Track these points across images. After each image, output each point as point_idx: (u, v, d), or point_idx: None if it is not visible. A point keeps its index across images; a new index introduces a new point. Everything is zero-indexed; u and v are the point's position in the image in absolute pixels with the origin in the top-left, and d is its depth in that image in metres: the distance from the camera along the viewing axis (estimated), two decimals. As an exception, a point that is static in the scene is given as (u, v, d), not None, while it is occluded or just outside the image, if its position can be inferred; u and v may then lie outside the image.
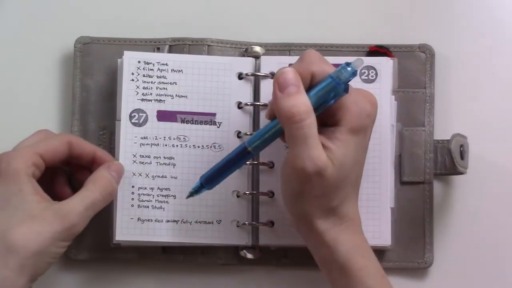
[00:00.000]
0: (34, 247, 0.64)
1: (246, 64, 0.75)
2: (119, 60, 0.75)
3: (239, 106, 0.75)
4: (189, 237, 0.74)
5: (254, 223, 0.74)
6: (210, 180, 0.69)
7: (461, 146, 0.74)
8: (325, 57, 0.74)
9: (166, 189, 0.74)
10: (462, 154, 0.74)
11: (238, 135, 0.75)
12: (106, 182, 0.70)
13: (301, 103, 0.63)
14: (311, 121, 0.63)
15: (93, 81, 0.77)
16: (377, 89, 0.74)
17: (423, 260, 0.76)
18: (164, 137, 0.74)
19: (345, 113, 0.65)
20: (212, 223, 0.74)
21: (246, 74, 0.75)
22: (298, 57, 0.75)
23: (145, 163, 0.74)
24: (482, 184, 0.77)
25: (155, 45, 0.77)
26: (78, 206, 0.67)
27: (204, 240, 0.74)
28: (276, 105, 0.64)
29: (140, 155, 0.74)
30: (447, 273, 0.77)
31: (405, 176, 0.75)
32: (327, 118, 0.66)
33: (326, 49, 0.77)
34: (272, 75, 0.75)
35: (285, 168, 0.66)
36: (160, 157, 0.74)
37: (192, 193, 0.70)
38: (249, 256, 0.76)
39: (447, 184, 0.77)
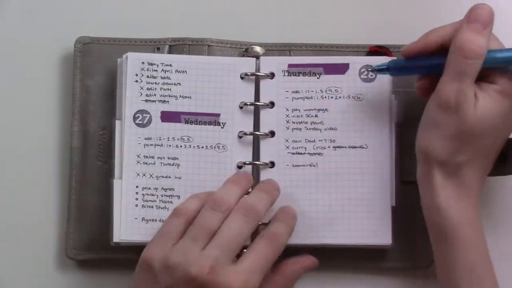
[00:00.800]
0: None
1: (248, 65, 0.75)
2: (118, 59, 0.75)
3: (241, 106, 0.75)
4: None
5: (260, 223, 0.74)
6: (397, 67, 0.71)
7: None
8: (325, 57, 0.75)
9: (170, 189, 0.74)
10: None
11: (239, 135, 0.75)
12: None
13: (478, 43, 0.65)
14: (476, 64, 0.65)
15: (93, 81, 0.77)
16: (376, 88, 0.74)
17: (423, 260, 0.76)
18: (168, 138, 0.74)
19: (503, 74, 0.66)
20: None
21: (246, 74, 0.75)
22: (297, 57, 0.76)
23: (149, 163, 0.74)
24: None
25: (155, 45, 0.77)
26: None
27: None
28: (456, 32, 0.66)
29: (144, 156, 0.74)
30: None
31: (405, 176, 0.75)
32: (488, 72, 0.67)
33: (326, 49, 0.77)
34: (272, 75, 0.75)
35: (433, 95, 0.67)
36: (164, 158, 0.74)
37: (375, 70, 0.72)
38: None
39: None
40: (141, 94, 0.74)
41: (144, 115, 0.74)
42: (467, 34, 0.65)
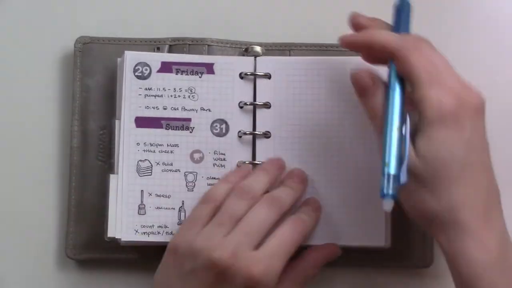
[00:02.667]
0: None
1: (247, 64, 0.75)
2: (118, 59, 0.75)
3: (240, 105, 0.75)
4: None
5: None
6: None
7: None
8: (325, 57, 0.75)
9: (168, 187, 0.74)
10: None
11: (238, 134, 0.75)
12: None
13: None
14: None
15: (93, 81, 0.77)
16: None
17: (422, 260, 0.76)
18: (168, 137, 0.74)
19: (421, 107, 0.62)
20: None
21: (246, 74, 0.75)
22: (297, 57, 0.76)
23: (148, 162, 0.74)
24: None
25: (155, 45, 0.77)
26: None
27: None
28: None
29: (143, 155, 0.74)
30: (447, 273, 0.76)
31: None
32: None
33: (326, 49, 0.77)
34: (269, 75, 0.75)
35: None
36: (163, 157, 0.74)
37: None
38: None
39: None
40: (140, 94, 0.74)
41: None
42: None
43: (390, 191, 0.60)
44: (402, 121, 0.62)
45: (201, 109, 0.74)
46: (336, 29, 0.79)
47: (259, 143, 0.75)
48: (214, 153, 0.74)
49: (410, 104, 0.63)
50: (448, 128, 0.60)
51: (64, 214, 0.76)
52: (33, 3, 0.80)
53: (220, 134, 0.75)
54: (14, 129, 0.78)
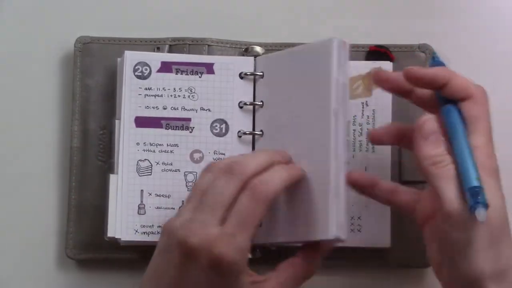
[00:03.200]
0: None
1: (247, 64, 0.75)
2: (118, 59, 0.75)
3: (240, 105, 0.75)
4: None
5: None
6: None
7: None
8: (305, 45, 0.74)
9: (171, 191, 0.74)
10: None
11: (238, 134, 0.75)
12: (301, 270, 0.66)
13: (442, 151, 0.62)
14: (449, 168, 0.61)
15: (93, 80, 0.77)
16: (379, 92, 0.74)
17: (423, 260, 0.75)
18: (168, 136, 0.74)
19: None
20: None
21: (246, 74, 0.75)
22: (280, 51, 0.75)
23: (147, 162, 0.74)
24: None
25: (155, 45, 0.77)
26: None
27: None
28: (419, 151, 0.62)
29: (142, 155, 0.74)
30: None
31: (405, 176, 0.75)
32: None
33: (326, 49, 0.77)
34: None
35: (437, 221, 0.62)
36: (162, 157, 0.74)
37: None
38: (249, 256, 0.75)
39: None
40: (140, 94, 0.74)
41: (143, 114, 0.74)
42: (430, 148, 0.62)
43: (484, 200, 0.58)
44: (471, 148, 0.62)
45: (201, 109, 0.74)
46: (336, 29, 0.79)
47: (259, 143, 0.75)
48: (214, 153, 0.74)
49: None
50: (493, 180, 0.61)
51: (64, 214, 0.76)
52: (33, 3, 0.80)
53: (220, 134, 0.75)
54: (14, 129, 0.78)
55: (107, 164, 0.76)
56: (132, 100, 0.74)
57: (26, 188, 0.78)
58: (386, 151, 0.74)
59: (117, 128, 0.74)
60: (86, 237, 0.76)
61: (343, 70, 0.66)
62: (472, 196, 0.58)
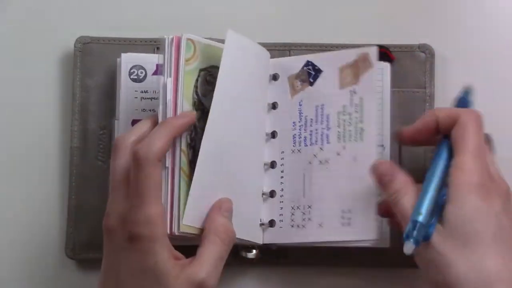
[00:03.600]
0: None
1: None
2: (118, 59, 0.75)
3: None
4: None
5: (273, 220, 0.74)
6: None
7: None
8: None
9: None
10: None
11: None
12: (226, 229, 0.66)
13: (393, 188, 0.65)
14: (404, 200, 0.64)
15: (93, 80, 0.77)
16: (379, 92, 0.74)
17: (423, 260, 0.76)
18: None
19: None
20: None
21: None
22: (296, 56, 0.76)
23: None
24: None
25: (155, 45, 0.77)
26: (210, 266, 0.63)
27: None
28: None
29: None
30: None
31: (405, 176, 0.75)
32: None
33: (326, 49, 0.77)
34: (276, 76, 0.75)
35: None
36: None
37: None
38: (249, 256, 0.75)
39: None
40: (136, 97, 0.74)
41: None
42: (386, 192, 0.67)
43: (415, 235, 0.61)
44: (442, 184, 0.64)
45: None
46: (336, 29, 0.79)
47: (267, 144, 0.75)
48: None
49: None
50: (482, 199, 0.61)
51: (64, 214, 0.76)
52: (33, 3, 0.80)
53: None
54: (14, 129, 0.78)
55: (107, 164, 0.75)
56: (128, 103, 0.74)
57: (26, 188, 0.78)
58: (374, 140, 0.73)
59: (117, 128, 0.74)
60: (86, 237, 0.76)
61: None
62: (411, 229, 0.62)
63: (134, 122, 0.74)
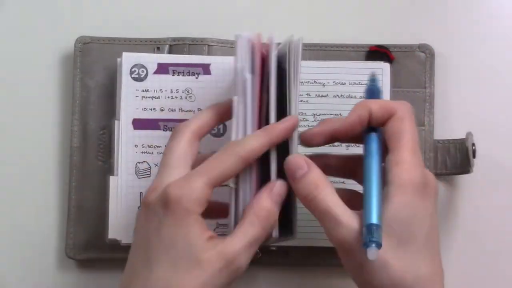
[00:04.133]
0: None
1: None
2: (118, 59, 0.75)
3: None
4: None
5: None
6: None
7: (473, 144, 0.74)
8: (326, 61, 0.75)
9: None
10: (474, 153, 0.74)
11: None
12: (269, 215, 0.62)
13: (309, 183, 0.61)
14: (324, 195, 0.60)
15: (93, 80, 0.77)
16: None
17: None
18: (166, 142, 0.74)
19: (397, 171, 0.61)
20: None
21: None
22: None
23: (147, 168, 0.74)
24: (482, 184, 0.77)
25: (155, 45, 0.77)
26: (242, 246, 0.60)
27: None
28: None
29: (143, 161, 0.74)
30: (447, 273, 0.76)
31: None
32: None
33: (326, 49, 0.77)
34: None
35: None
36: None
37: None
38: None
39: (447, 184, 0.77)
40: (137, 96, 0.74)
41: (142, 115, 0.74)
42: (297, 186, 0.61)
43: (375, 239, 0.57)
44: (381, 182, 0.60)
45: (198, 110, 0.74)
46: (336, 29, 0.79)
47: None
48: (212, 153, 0.74)
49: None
50: (420, 198, 0.59)
51: (64, 214, 0.76)
52: (33, 3, 0.80)
53: (217, 135, 0.75)
54: (14, 129, 0.78)
55: (107, 164, 0.76)
56: (129, 103, 0.74)
57: (26, 188, 0.78)
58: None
59: (117, 128, 0.74)
60: (86, 237, 0.76)
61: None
62: (368, 233, 0.57)
63: (134, 121, 0.74)
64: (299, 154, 0.62)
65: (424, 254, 0.59)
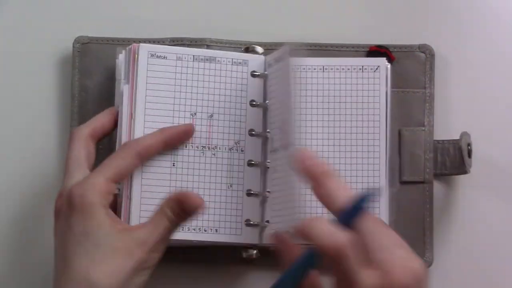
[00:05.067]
0: (118, 284, 0.62)
1: (258, 62, 0.75)
2: (117, 60, 0.75)
3: (252, 104, 0.74)
4: (199, 235, 0.72)
5: (266, 222, 0.73)
6: None
7: (469, 144, 0.74)
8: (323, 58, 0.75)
9: (169, 187, 0.72)
10: (470, 153, 0.74)
11: (250, 133, 0.74)
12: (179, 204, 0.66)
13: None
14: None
15: (91, 81, 0.77)
16: (377, 90, 0.74)
17: (423, 260, 0.76)
18: None
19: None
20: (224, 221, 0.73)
21: (254, 72, 0.74)
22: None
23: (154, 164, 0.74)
24: (481, 184, 0.77)
25: (155, 45, 0.77)
26: (156, 232, 0.64)
27: (213, 238, 0.72)
28: None
29: None
30: (447, 273, 0.77)
31: (405, 176, 0.75)
32: None
33: (326, 49, 0.77)
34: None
35: None
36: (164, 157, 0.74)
37: None
38: (249, 256, 0.75)
39: (447, 184, 0.78)
40: (148, 89, 0.73)
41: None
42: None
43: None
44: None
45: None
46: (336, 29, 0.79)
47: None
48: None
49: None
50: None
51: (64, 215, 0.76)
52: (32, 3, 0.79)
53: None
54: (13, 129, 0.78)
55: (107, 164, 0.76)
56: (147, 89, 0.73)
57: (26, 188, 0.78)
58: (382, 154, 0.73)
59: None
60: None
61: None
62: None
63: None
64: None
65: None
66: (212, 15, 0.79)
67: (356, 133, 0.74)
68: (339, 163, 0.74)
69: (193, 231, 0.71)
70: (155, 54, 0.71)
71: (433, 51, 0.77)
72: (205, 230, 0.71)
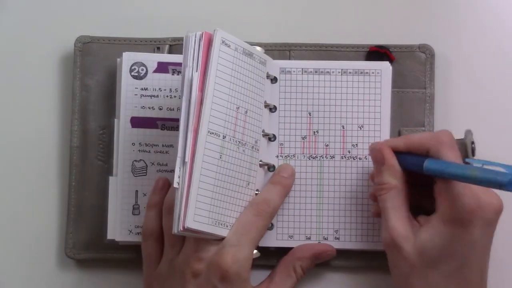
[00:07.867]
0: None
1: (271, 64, 0.75)
2: (118, 59, 0.75)
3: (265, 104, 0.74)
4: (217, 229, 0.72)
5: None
6: None
7: (473, 142, 0.74)
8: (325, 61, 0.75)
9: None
10: (473, 151, 0.74)
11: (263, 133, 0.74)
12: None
13: (383, 180, 0.68)
14: (390, 195, 0.67)
15: (93, 80, 0.77)
16: (378, 94, 0.74)
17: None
18: (164, 138, 0.74)
19: (442, 201, 0.66)
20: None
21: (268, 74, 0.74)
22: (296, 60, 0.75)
23: (143, 167, 0.74)
24: (483, 185, 0.77)
25: (155, 45, 0.77)
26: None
27: (226, 234, 0.71)
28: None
29: (140, 159, 0.74)
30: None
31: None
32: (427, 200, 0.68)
33: (326, 49, 0.77)
34: (272, 79, 0.75)
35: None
36: (159, 163, 0.74)
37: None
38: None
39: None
40: (136, 94, 0.74)
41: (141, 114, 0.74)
42: (376, 178, 0.70)
43: None
44: None
45: None
46: (336, 29, 0.79)
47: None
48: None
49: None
50: (459, 228, 0.64)
51: (64, 214, 0.77)
52: (33, 2, 0.80)
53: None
54: (14, 129, 0.79)
55: (107, 164, 0.76)
56: (128, 100, 0.74)
57: (26, 188, 0.78)
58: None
59: (117, 127, 0.74)
60: (86, 237, 0.76)
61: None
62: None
63: (133, 119, 0.74)
64: (378, 146, 0.70)
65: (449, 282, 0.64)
66: (212, 15, 0.79)
67: (357, 136, 0.75)
68: (340, 165, 0.74)
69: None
70: (224, 41, 0.69)
71: (433, 51, 0.77)
72: (221, 225, 0.70)
